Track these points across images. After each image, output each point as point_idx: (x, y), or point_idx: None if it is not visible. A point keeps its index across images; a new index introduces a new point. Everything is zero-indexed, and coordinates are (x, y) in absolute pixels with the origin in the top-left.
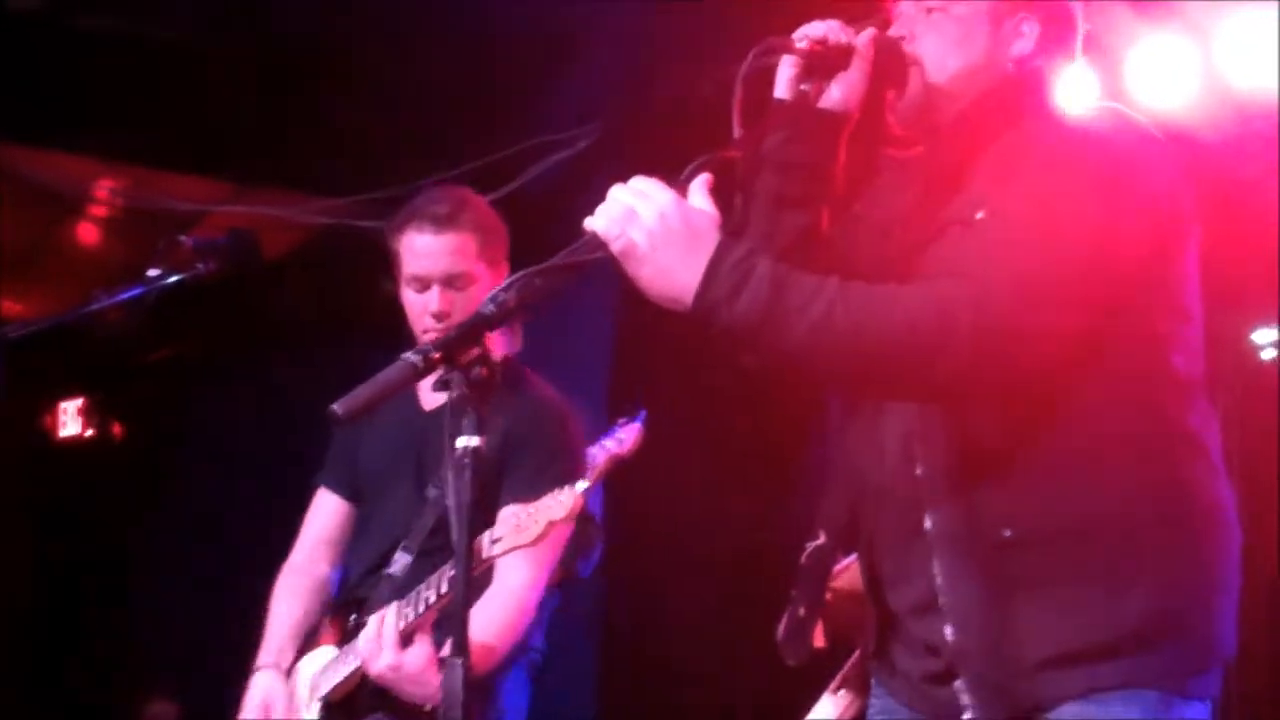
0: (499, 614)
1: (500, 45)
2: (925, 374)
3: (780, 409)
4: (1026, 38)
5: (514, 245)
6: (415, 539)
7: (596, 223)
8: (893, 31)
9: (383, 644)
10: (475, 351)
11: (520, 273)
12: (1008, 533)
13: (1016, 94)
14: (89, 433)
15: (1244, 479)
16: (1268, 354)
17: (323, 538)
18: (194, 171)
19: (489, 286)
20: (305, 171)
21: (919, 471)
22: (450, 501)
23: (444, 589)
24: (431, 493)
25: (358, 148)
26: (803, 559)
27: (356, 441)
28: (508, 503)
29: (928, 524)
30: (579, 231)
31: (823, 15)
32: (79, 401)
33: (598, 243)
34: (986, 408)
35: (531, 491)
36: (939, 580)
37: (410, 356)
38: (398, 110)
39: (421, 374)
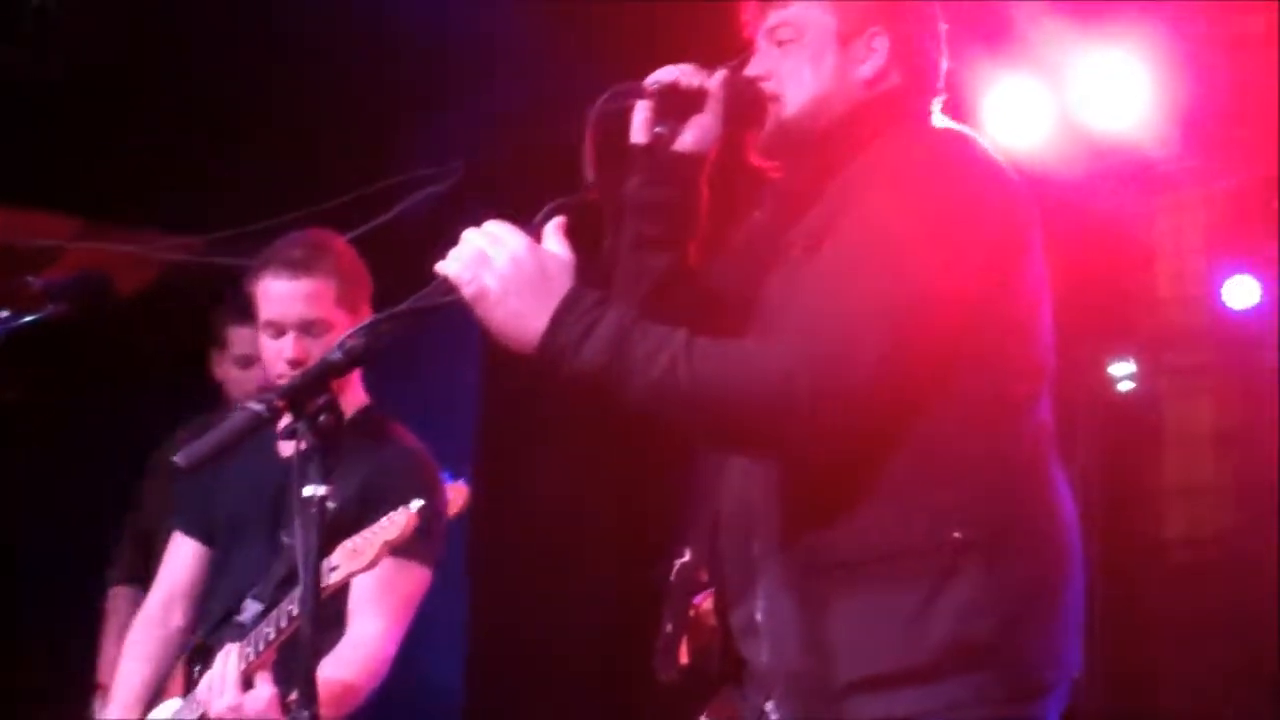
0: (355, 656)
1: (367, 78)
2: (767, 436)
3: (649, 445)
4: (877, 54)
5: (383, 282)
6: (267, 587)
7: (448, 267)
8: (751, 69)
9: (224, 686)
10: (322, 399)
11: (369, 319)
12: (830, 557)
13: (868, 116)
14: None
15: (1101, 503)
16: (1124, 385)
17: (177, 590)
18: (46, 207)
19: None
20: (160, 207)
21: (753, 495)
22: (299, 550)
23: (283, 624)
24: (286, 540)
25: (215, 183)
26: (671, 576)
27: (212, 485)
28: None
29: (755, 548)
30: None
31: (685, 57)
32: None
33: (449, 287)
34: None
35: (402, 551)
36: (760, 602)
37: (254, 404)
38: (258, 144)
39: (266, 422)
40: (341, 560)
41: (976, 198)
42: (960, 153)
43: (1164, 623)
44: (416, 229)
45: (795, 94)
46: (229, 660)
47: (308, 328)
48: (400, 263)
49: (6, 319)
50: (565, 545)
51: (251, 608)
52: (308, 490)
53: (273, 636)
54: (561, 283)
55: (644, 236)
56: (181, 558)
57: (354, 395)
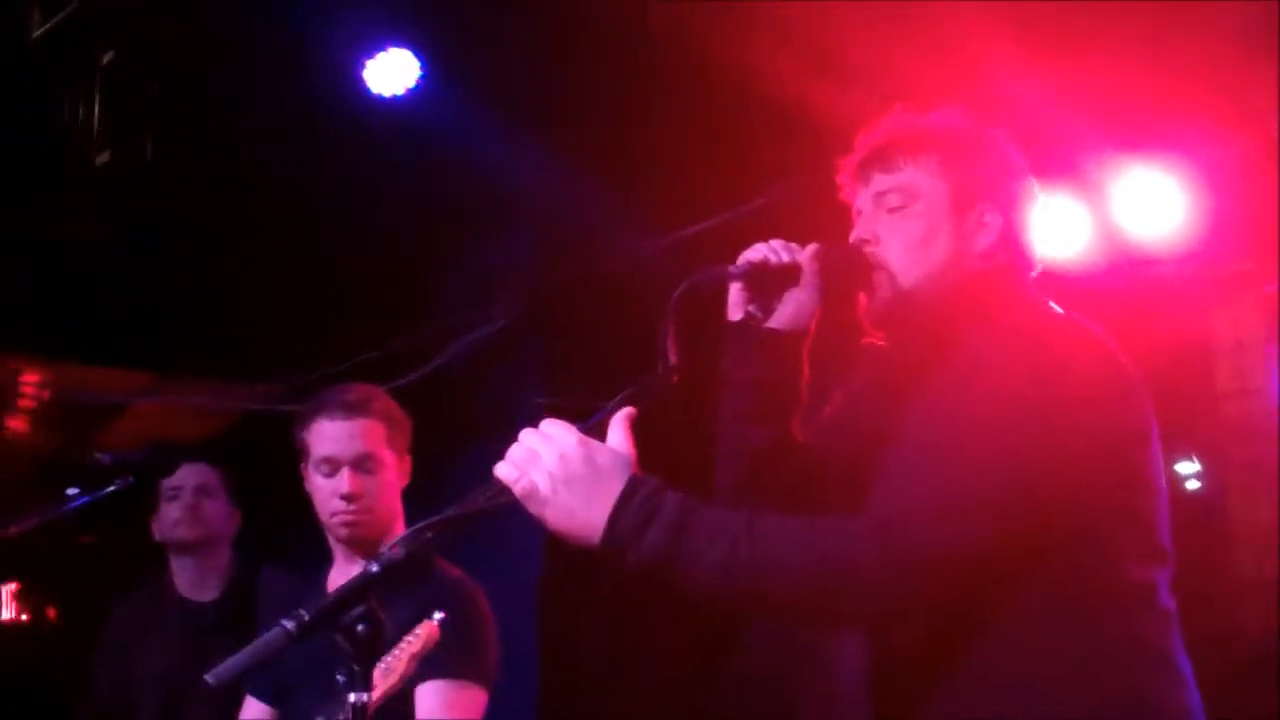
0: None
1: (414, 225)
2: (836, 610)
3: None
4: (990, 229)
5: (436, 421)
6: None
7: (501, 469)
8: (858, 233)
9: None
10: (359, 609)
11: (414, 526)
12: None
13: (981, 292)
14: (23, 617)
15: (1180, 602)
16: (1191, 484)
17: None
18: (115, 363)
19: (395, 473)
20: (224, 358)
21: (856, 672)
22: None
23: None
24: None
25: (274, 334)
26: None
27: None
28: (427, 680)
29: None
30: (501, 408)
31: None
32: (12, 586)
33: (501, 488)
34: (914, 623)
35: (448, 671)
36: None
37: (286, 623)
38: (315, 294)
39: (297, 639)
40: (378, 679)
41: (1090, 389)
42: (1077, 344)
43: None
44: (470, 368)
45: (910, 262)
46: None
47: (361, 463)
48: (454, 402)
49: (76, 496)
50: (633, 659)
51: None
52: (351, 698)
53: None
54: (616, 476)
55: (742, 413)
56: (252, 716)
57: (399, 532)
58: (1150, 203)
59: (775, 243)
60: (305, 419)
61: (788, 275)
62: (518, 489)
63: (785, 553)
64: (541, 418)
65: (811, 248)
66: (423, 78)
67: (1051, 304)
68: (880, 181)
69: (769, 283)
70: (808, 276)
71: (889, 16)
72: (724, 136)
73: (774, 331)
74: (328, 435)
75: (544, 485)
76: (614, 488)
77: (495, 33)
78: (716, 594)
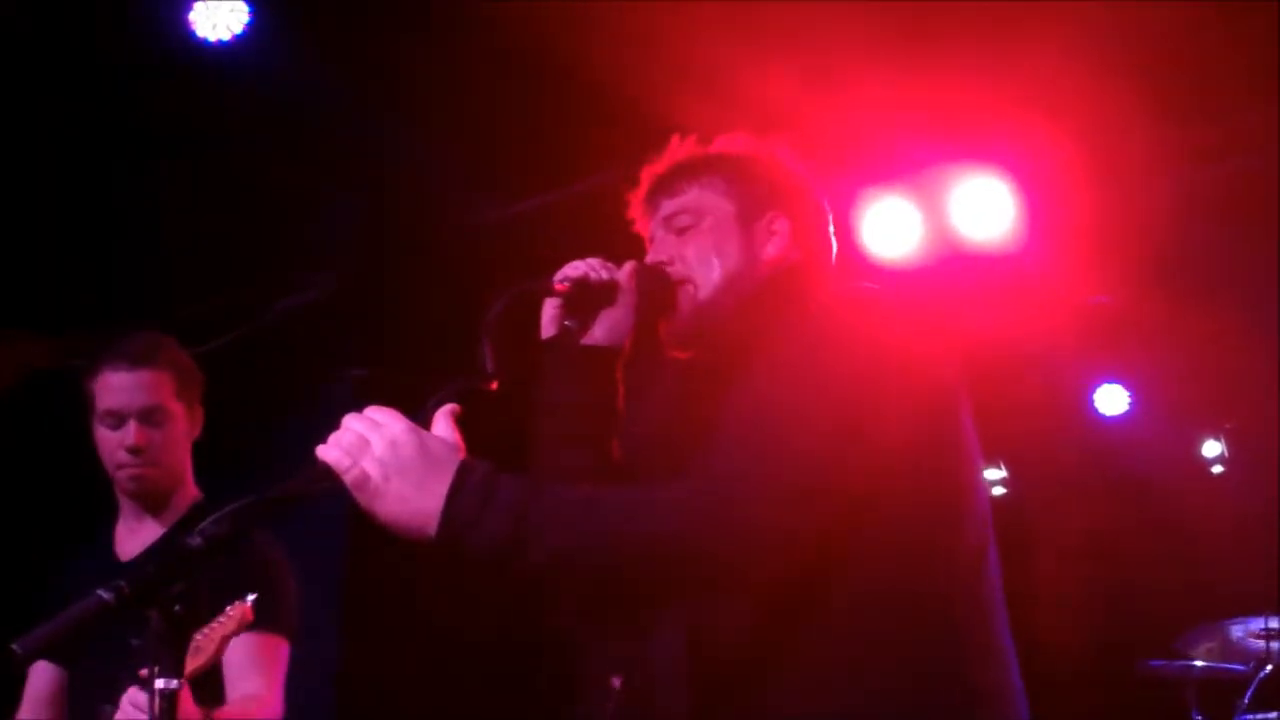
0: (250, 710)
1: (241, 180)
2: (677, 582)
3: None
4: (779, 235)
5: (246, 386)
6: (115, 692)
7: (329, 453)
8: (652, 257)
9: None
10: (177, 587)
11: (236, 503)
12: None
13: (779, 292)
14: None
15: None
16: (997, 491)
17: (42, 695)
18: None
19: (185, 426)
20: (22, 307)
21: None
22: None
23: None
24: (135, 644)
25: (88, 286)
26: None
27: (62, 601)
28: None
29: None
30: (315, 377)
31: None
32: None
33: (327, 473)
34: (747, 600)
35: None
36: None
37: (103, 593)
38: (133, 246)
39: (114, 611)
40: (187, 659)
41: (892, 364)
42: (877, 318)
43: None
44: (287, 337)
45: (706, 275)
46: None
47: (148, 416)
48: (274, 369)
49: None
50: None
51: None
52: (160, 684)
53: None
54: (448, 463)
55: (561, 435)
56: (40, 679)
57: (187, 490)
58: (980, 209)
59: (593, 260)
60: (91, 369)
61: (605, 293)
62: (348, 478)
63: (628, 524)
64: (355, 390)
65: (629, 266)
66: (251, 23)
67: (863, 283)
68: (667, 206)
69: (586, 300)
70: (624, 295)
71: (733, 19)
72: (567, 111)
73: (591, 349)
74: (112, 386)
75: (375, 474)
76: (447, 474)
77: None
78: (555, 573)
